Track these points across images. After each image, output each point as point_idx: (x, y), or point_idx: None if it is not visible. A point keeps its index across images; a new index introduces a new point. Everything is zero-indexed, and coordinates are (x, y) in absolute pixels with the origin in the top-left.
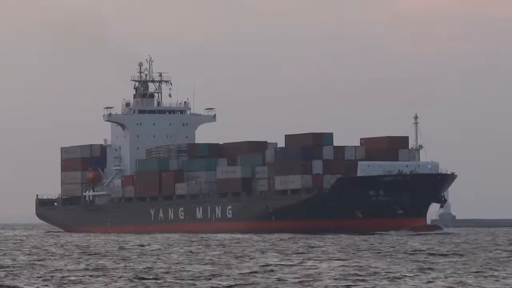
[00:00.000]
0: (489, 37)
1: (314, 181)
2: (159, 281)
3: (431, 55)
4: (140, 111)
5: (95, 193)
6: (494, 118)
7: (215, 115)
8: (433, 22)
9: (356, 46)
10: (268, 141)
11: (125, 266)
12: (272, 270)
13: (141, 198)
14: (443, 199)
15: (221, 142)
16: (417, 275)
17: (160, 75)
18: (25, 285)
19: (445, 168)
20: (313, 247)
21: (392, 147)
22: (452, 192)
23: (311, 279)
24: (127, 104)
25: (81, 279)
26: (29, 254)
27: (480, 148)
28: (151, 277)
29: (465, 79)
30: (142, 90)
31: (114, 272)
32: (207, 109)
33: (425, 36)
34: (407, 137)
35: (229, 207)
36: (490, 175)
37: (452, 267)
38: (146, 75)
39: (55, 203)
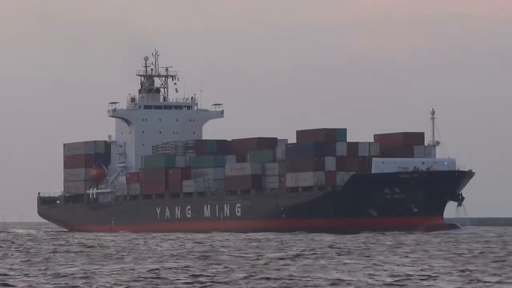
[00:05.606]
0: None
1: (326, 178)
2: None
3: (446, 49)
4: (146, 107)
5: (99, 190)
6: None
7: (222, 110)
8: (449, 17)
9: (369, 40)
10: (278, 138)
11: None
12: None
13: (147, 196)
14: (460, 197)
15: (229, 139)
16: None
17: (167, 69)
18: None
19: (462, 165)
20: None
21: (407, 143)
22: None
23: None
24: (133, 99)
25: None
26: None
27: (499, 145)
28: None
29: (482, 73)
30: (148, 85)
31: None
32: (215, 104)
33: (441, 31)
34: (423, 133)
35: (238, 205)
36: (509, 172)
37: None
38: (152, 69)
39: (58, 201)
